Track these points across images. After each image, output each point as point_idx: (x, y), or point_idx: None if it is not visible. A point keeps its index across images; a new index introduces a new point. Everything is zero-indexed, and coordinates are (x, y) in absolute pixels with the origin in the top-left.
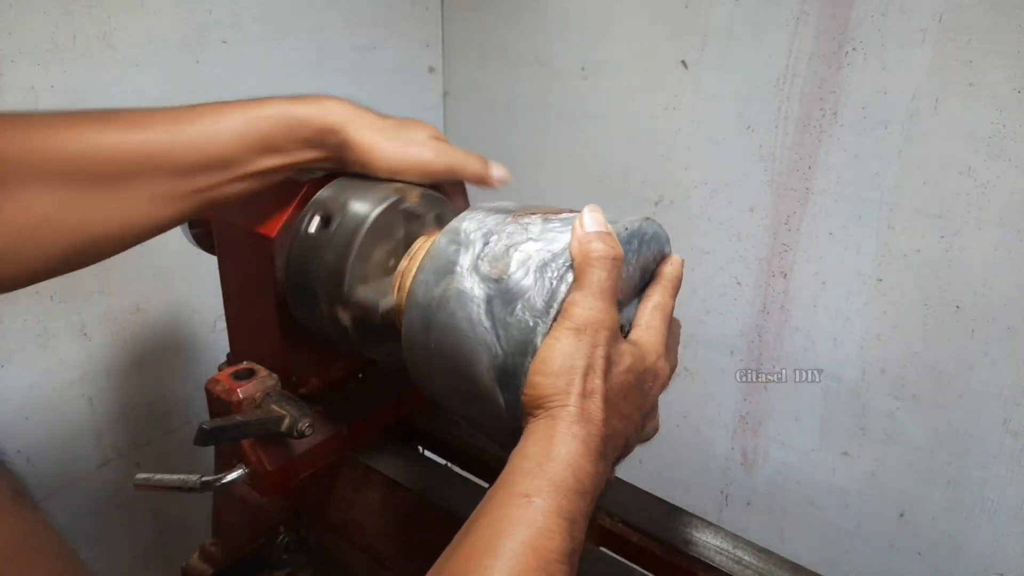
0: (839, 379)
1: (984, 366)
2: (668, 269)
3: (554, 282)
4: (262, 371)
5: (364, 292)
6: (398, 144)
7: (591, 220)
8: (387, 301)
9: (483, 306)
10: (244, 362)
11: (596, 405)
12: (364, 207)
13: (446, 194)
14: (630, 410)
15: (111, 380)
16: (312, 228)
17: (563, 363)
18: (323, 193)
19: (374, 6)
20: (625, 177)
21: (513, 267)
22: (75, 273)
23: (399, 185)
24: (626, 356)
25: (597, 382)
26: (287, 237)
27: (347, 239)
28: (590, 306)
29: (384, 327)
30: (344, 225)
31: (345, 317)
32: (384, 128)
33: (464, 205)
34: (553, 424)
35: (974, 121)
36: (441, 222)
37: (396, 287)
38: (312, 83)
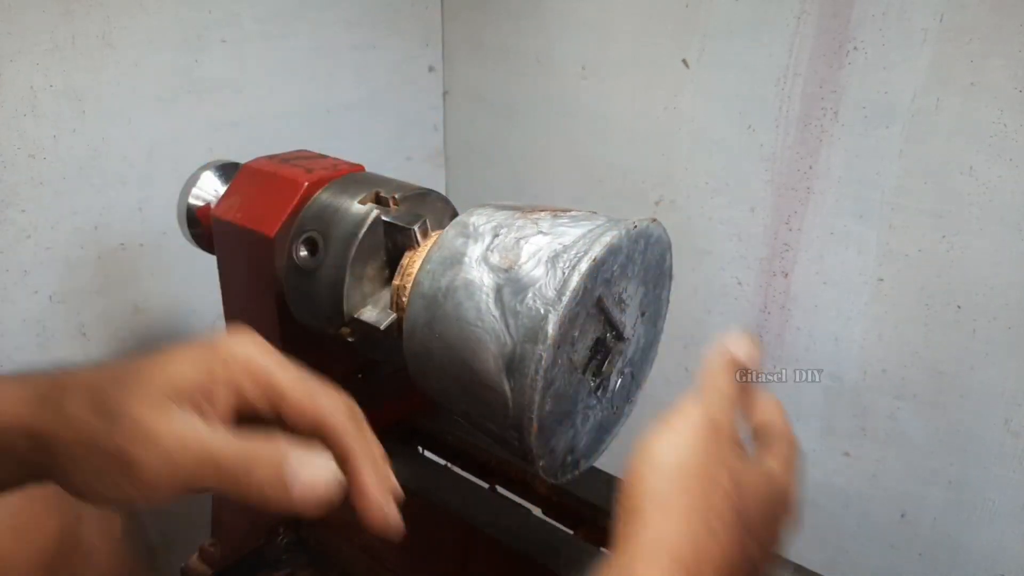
0: (840, 379)
1: (985, 366)
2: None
3: (566, 271)
4: None
5: (364, 313)
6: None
7: (737, 347)
8: (388, 319)
9: (492, 295)
10: None
11: (718, 535)
12: (347, 228)
13: None
14: (760, 539)
15: None
16: (301, 255)
17: (680, 459)
18: (308, 211)
19: (374, 6)
20: (625, 177)
21: (524, 258)
22: (74, 273)
23: (380, 194)
24: (754, 476)
25: (719, 501)
26: (286, 237)
27: (337, 267)
28: (718, 409)
29: (388, 338)
30: (331, 252)
31: (348, 334)
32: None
33: None
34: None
35: (976, 121)
36: (425, 227)
37: (393, 303)
38: (312, 83)
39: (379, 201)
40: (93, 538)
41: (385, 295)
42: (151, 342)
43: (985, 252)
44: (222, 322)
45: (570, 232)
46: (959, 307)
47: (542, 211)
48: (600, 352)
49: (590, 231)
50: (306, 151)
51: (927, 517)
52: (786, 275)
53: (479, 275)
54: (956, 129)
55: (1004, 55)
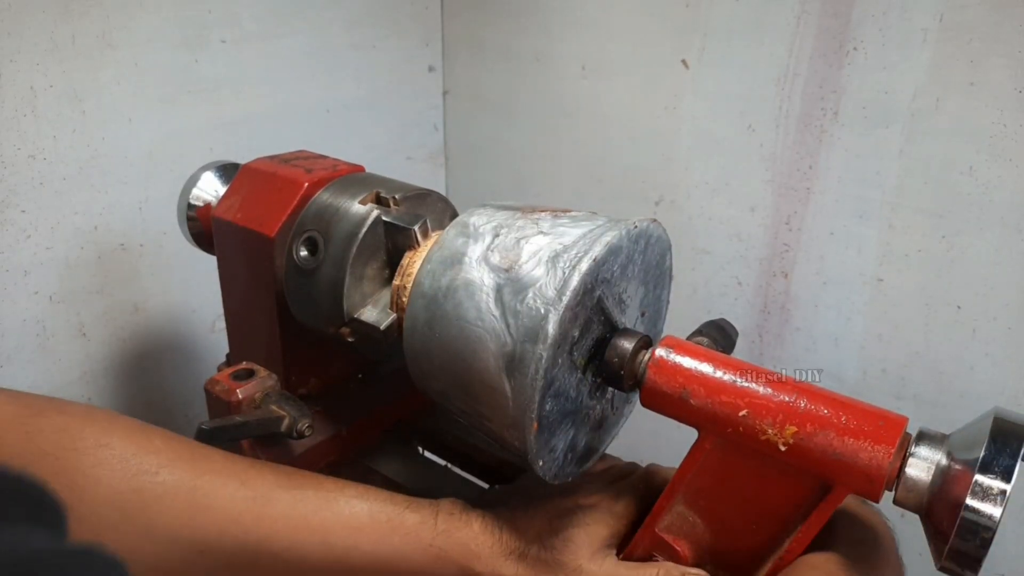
0: (840, 379)
1: (985, 366)
2: None
3: (566, 271)
4: (261, 371)
5: (364, 313)
6: None
7: None
8: (388, 319)
9: (492, 295)
10: (243, 362)
11: None
12: (347, 228)
13: None
14: None
15: (110, 380)
16: (301, 255)
17: None
18: (308, 211)
19: (374, 5)
20: (625, 177)
21: (524, 257)
22: (74, 273)
23: (380, 194)
24: None
25: None
26: (286, 237)
27: (337, 267)
28: None
29: (388, 338)
30: (331, 252)
31: (348, 334)
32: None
33: None
34: None
35: (975, 121)
36: (426, 227)
37: (393, 303)
38: (312, 83)
39: (379, 201)
40: None
41: (385, 295)
42: (151, 342)
43: (985, 252)
44: (222, 322)
45: (570, 232)
46: (959, 307)
47: (542, 211)
48: (600, 352)
49: (590, 231)
50: (306, 151)
51: None
52: (786, 275)
53: (479, 275)
54: (956, 129)
55: (1004, 55)
